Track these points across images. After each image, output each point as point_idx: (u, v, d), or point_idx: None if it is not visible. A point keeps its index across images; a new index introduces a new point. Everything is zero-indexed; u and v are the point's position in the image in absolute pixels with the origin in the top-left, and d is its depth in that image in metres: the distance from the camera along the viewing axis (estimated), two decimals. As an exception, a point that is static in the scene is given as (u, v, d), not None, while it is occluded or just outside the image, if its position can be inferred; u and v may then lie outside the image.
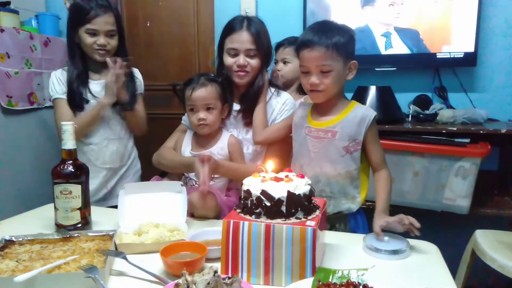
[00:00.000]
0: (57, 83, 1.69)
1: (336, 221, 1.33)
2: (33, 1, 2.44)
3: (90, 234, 1.12)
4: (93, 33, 1.64)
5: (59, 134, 1.65)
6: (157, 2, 2.70)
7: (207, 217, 1.33)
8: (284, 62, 1.95)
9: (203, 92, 1.44)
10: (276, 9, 2.47)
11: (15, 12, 2.19)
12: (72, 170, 1.18)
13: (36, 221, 1.30)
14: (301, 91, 1.92)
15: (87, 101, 1.69)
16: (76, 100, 1.67)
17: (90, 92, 1.70)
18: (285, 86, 1.90)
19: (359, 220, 1.36)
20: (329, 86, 1.26)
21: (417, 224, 1.08)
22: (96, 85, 1.71)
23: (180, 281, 0.81)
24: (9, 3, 2.18)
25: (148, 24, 2.74)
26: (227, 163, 1.44)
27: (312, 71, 1.26)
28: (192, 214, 1.35)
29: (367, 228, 1.37)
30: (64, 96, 1.68)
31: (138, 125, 1.80)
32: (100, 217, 1.31)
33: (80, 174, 1.19)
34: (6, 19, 2.12)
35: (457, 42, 2.17)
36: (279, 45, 1.99)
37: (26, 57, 2.14)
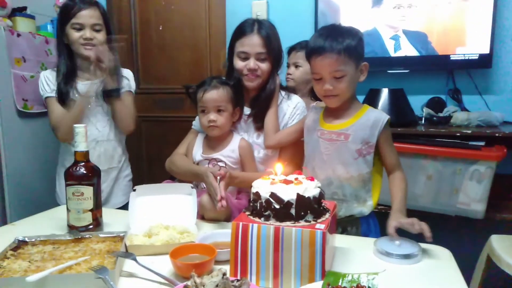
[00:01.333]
0: (45, 82, 1.71)
1: (348, 225, 1.32)
2: (49, 6, 2.49)
3: (101, 235, 1.13)
4: (79, 28, 1.64)
5: (54, 131, 1.69)
6: (169, 6, 2.73)
7: (218, 219, 1.33)
8: (296, 66, 1.95)
9: (215, 94, 1.44)
10: (287, 12, 2.47)
11: (32, 17, 2.23)
12: (84, 172, 1.19)
13: (49, 222, 1.32)
14: (313, 96, 1.92)
15: (75, 101, 1.67)
16: (64, 100, 1.67)
17: (78, 92, 1.69)
18: (296, 90, 1.89)
19: (371, 224, 1.35)
20: (343, 91, 1.25)
21: (427, 234, 1.05)
22: (84, 86, 1.70)
23: (189, 283, 0.81)
24: (25, 8, 2.22)
25: (160, 28, 2.77)
26: (241, 174, 1.43)
27: (325, 77, 1.24)
28: (203, 216, 1.35)
29: (379, 232, 1.36)
30: (54, 94, 1.69)
31: (125, 120, 1.74)
32: (111, 218, 1.33)
33: (92, 176, 1.21)
34: (23, 24, 2.16)
35: (471, 43, 2.13)
36: (292, 49, 1.98)
37: (41, 61, 2.18)
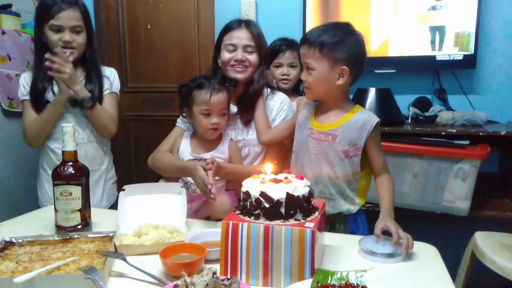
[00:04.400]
0: (22, 85, 1.63)
1: (336, 222, 1.34)
2: (34, 4, 2.45)
3: (90, 235, 1.12)
4: (58, 29, 1.55)
5: (24, 135, 1.62)
6: (157, 5, 2.71)
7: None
8: (292, 67, 1.90)
9: (221, 97, 1.43)
10: (275, 12, 2.48)
11: (17, 14, 2.20)
12: (72, 171, 1.18)
13: (36, 223, 1.31)
14: (295, 92, 1.93)
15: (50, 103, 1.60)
16: (38, 102, 1.60)
17: (54, 94, 1.60)
18: (287, 90, 1.88)
19: (359, 221, 1.37)
20: (311, 85, 1.27)
21: (408, 249, 1.04)
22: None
23: (179, 282, 0.81)
24: (10, 5, 2.19)
25: (148, 27, 2.75)
26: (228, 165, 1.44)
27: (304, 67, 1.29)
28: (208, 217, 1.36)
29: (367, 230, 1.38)
30: (28, 97, 1.61)
31: (103, 126, 1.66)
32: (100, 218, 1.32)
33: (80, 175, 1.20)
34: (8, 21, 2.13)
35: (457, 44, 2.17)
36: (280, 48, 1.95)
37: (27, 59, 2.15)
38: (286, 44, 1.92)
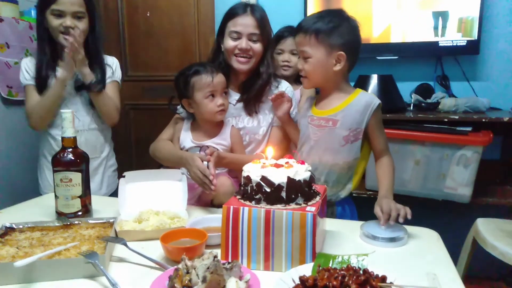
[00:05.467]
0: (25, 70, 1.63)
1: None
2: (32, -9, 2.43)
3: (90, 221, 1.12)
4: (59, 14, 1.54)
5: (27, 118, 1.62)
6: (157, -8, 2.68)
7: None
8: (293, 53, 1.87)
9: (222, 78, 1.43)
10: (276, -2, 2.45)
11: (15, 2, 2.17)
12: (72, 158, 1.18)
13: (37, 210, 1.30)
14: (298, 81, 1.91)
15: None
16: (43, 87, 1.59)
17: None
18: (289, 78, 1.86)
19: (347, 208, 1.37)
20: (309, 73, 1.27)
21: (394, 219, 1.06)
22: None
23: (180, 266, 0.81)
24: (8, -7, 2.16)
25: (148, 14, 2.72)
26: (229, 155, 1.43)
27: (300, 56, 1.28)
28: (211, 201, 1.36)
29: (356, 217, 1.37)
30: (32, 82, 1.61)
31: (108, 113, 1.67)
32: (100, 205, 1.31)
33: (80, 162, 1.19)
34: (6, 9, 2.10)
35: (460, 30, 2.14)
36: (281, 36, 1.93)
37: (25, 47, 2.13)
38: (288, 30, 1.90)
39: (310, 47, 1.24)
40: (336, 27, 1.22)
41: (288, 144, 1.53)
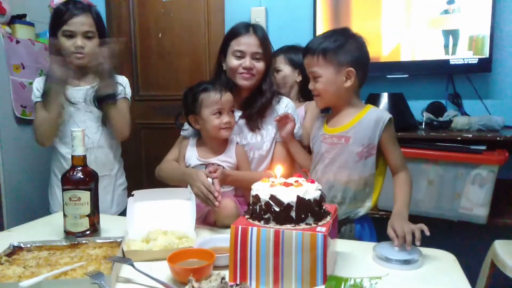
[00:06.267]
0: (36, 89, 1.66)
1: (342, 225, 1.31)
2: (48, 14, 2.49)
3: (98, 241, 1.11)
4: (70, 35, 1.58)
5: (35, 134, 1.65)
6: (168, 14, 2.74)
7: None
8: (277, 71, 1.88)
9: (230, 96, 1.44)
10: (286, 18, 2.47)
11: (31, 24, 2.24)
12: (82, 176, 1.18)
13: (45, 228, 1.30)
14: (301, 97, 1.91)
15: (63, 107, 1.63)
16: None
17: (67, 98, 1.64)
18: (290, 95, 1.87)
19: (366, 227, 1.34)
20: (321, 92, 1.29)
21: (406, 244, 1.02)
22: (75, 92, 1.66)
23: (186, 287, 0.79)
24: (25, 15, 2.23)
25: (160, 35, 2.78)
26: (234, 172, 1.42)
27: (310, 77, 1.31)
28: (213, 223, 1.34)
29: (375, 237, 1.34)
30: (41, 99, 1.63)
31: (120, 127, 1.69)
32: (109, 224, 1.31)
33: (90, 180, 1.19)
34: (22, 31, 2.17)
35: (471, 48, 2.13)
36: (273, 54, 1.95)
37: (40, 68, 2.18)
38: (281, 50, 1.93)
39: (319, 67, 1.26)
40: (343, 45, 1.25)
41: (292, 160, 1.52)
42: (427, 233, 1.03)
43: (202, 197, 1.26)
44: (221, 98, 1.41)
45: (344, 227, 1.31)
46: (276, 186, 0.94)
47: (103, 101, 1.64)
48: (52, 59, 1.59)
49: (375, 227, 1.38)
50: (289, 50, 1.92)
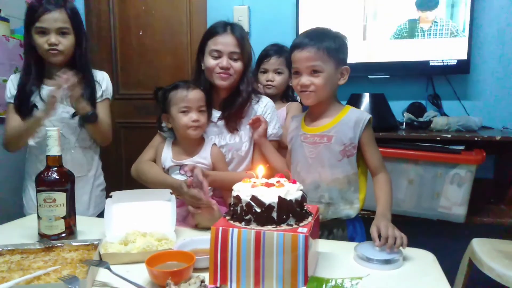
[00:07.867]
0: (9, 88, 1.60)
1: (334, 227, 1.32)
2: (23, 9, 2.42)
3: (73, 243, 1.08)
4: (43, 31, 1.52)
5: (3, 138, 1.59)
6: (150, 11, 2.69)
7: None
8: (278, 73, 1.88)
9: (198, 94, 1.42)
10: (268, 17, 2.46)
11: (6, 20, 2.16)
12: (57, 177, 1.14)
13: (19, 231, 1.25)
14: (284, 98, 1.90)
15: (37, 107, 1.57)
16: (23, 106, 1.56)
17: (41, 98, 1.57)
18: (274, 96, 1.85)
19: (357, 227, 1.34)
20: (319, 87, 1.26)
21: (391, 248, 1.03)
22: (50, 91, 1.55)
23: (165, 291, 0.77)
24: (-1, 11, 2.16)
25: (140, 33, 2.73)
26: (213, 172, 1.40)
27: (303, 71, 1.27)
28: (196, 225, 1.32)
29: (365, 236, 1.35)
30: (13, 101, 1.58)
31: (102, 136, 1.67)
32: (86, 227, 1.27)
33: (65, 181, 1.15)
34: (-4, 26, 2.09)
35: (450, 49, 2.17)
36: (267, 55, 1.92)
37: (15, 65, 2.11)
38: (273, 50, 1.91)
39: (322, 62, 1.25)
40: (342, 44, 1.28)
41: None
42: (405, 247, 1.05)
43: (195, 207, 1.26)
44: (188, 95, 1.39)
45: (336, 229, 1.31)
46: (258, 186, 0.93)
47: (86, 121, 1.59)
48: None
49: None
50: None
